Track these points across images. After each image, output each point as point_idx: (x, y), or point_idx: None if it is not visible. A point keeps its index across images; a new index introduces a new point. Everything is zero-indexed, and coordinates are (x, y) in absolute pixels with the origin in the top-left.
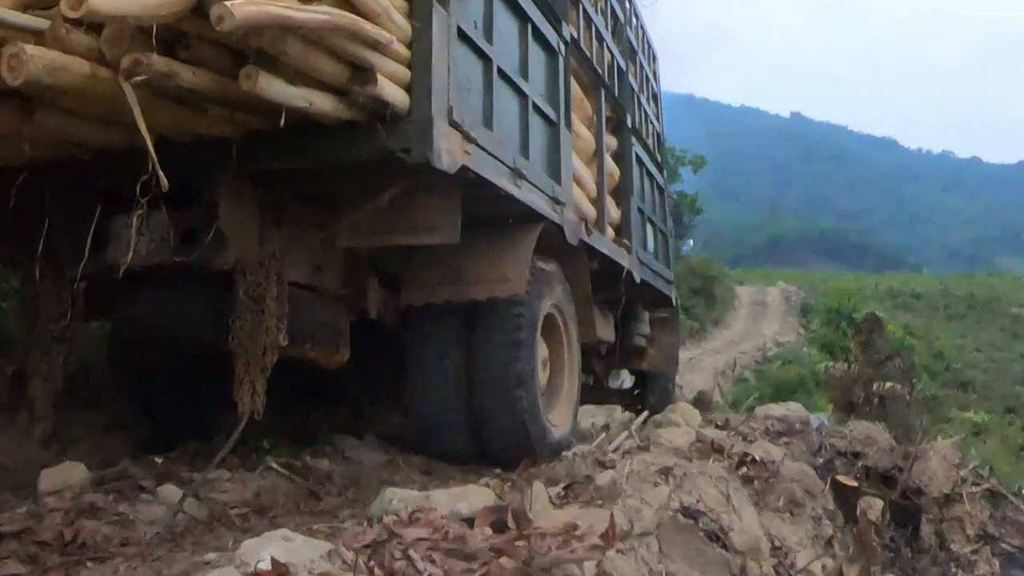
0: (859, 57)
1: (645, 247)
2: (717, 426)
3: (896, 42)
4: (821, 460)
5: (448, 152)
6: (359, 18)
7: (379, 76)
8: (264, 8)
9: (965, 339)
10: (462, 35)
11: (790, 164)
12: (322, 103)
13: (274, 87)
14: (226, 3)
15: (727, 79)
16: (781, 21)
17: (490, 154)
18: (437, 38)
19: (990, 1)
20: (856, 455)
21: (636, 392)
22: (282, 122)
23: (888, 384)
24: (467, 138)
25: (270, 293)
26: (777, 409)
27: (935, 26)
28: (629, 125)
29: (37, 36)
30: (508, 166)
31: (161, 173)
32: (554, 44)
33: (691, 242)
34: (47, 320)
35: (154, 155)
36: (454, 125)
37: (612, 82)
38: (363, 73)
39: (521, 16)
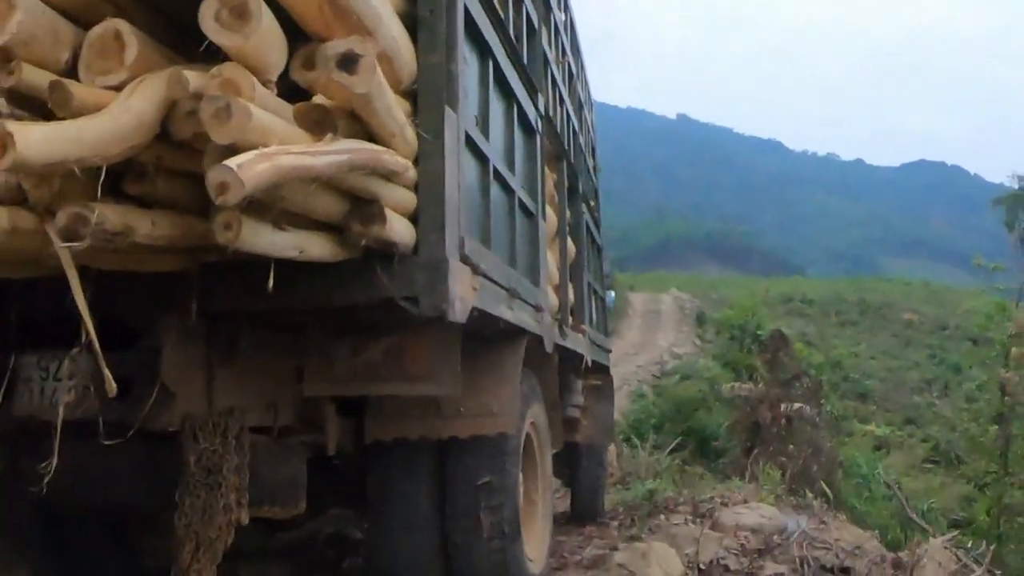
0: (746, 62)
1: (593, 323)
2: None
3: (783, 50)
4: None
5: (461, 298)
6: (378, 148)
7: (386, 211)
8: (276, 163)
9: (859, 347)
10: (468, 141)
11: (676, 166)
12: (314, 249)
13: (260, 238)
14: (230, 164)
15: (614, 80)
16: (669, 27)
17: (491, 280)
18: (449, 152)
19: (874, 14)
20: (845, 571)
21: (567, 466)
22: (270, 284)
23: (796, 405)
24: (475, 271)
25: (228, 462)
26: (749, 516)
27: (822, 36)
28: (580, 191)
29: None
30: (504, 288)
31: (89, 324)
32: (533, 122)
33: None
34: None
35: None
36: (465, 260)
37: (570, 148)
38: (366, 207)
39: (508, 96)
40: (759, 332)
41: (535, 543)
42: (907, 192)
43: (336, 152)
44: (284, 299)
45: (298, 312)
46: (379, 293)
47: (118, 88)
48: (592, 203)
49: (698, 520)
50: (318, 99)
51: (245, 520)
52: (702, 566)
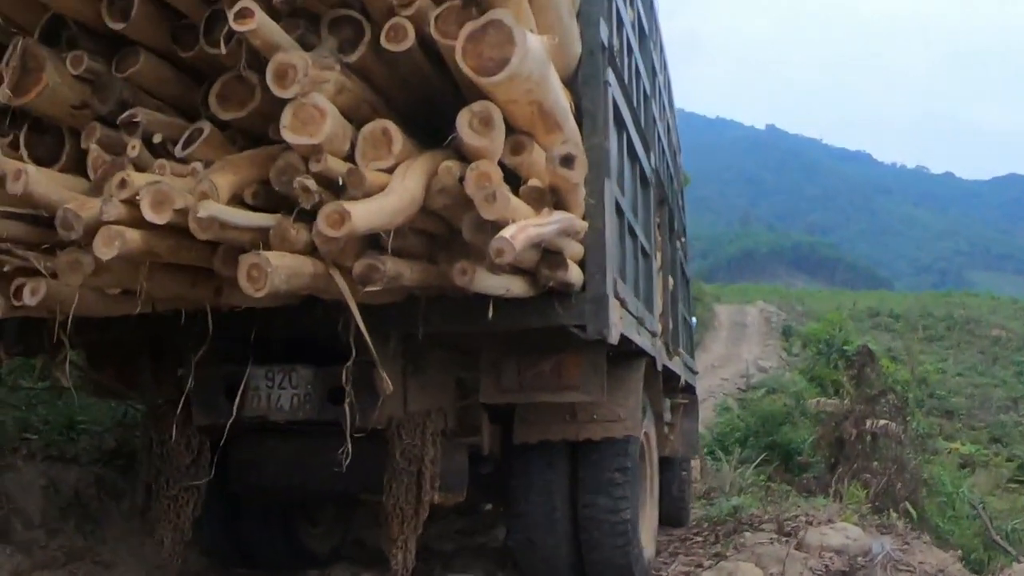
0: (830, 66)
1: (686, 348)
2: None
3: (865, 49)
4: None
5: (615, 325)
6: (573, 216)
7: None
8: (528, 233)
9: (946, 363)
10: (615, 201)
11: (763, 176)
12: (515, 288)
13: (484, 281)
14: (505, 235)
15: (702, 89)
16: (750, 28)
17: (629, 312)
18: (608, 213)
19: (959, 9)
20: None
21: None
22: (490, 314)
23: (881, 422)
24: (622, 304)
25: (427, 454)
26: (834, 536)
27: (905, 35)
28: (675, 228)
29: (260, 234)
30: (636, 317)
31: (370, 344)
32: (648, 176)
33: None
34: (175, 468)
35: (370, 342)
36: (616, 296)
37: (669, 189)
38: (554, 257)
39: (634, 158)
40: (846, 347)
41: (647, 534)
42: (996, 206)
43: (556, 222)
44: (473, 326)
45: (483, 335)
46: (555, 320)
47: (387, 171)
48: (683, 239)
49: (783, 539)
50: (534, 182)
51: (438, 499)
52: None
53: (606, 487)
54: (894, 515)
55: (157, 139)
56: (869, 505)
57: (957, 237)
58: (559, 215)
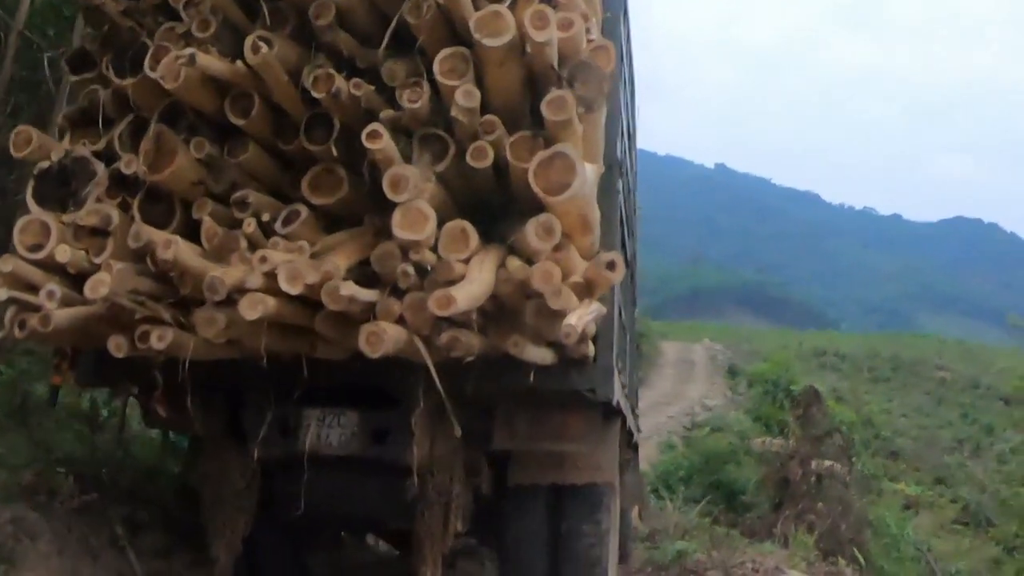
0: (785, 113)
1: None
2: None
3: (822, 101)
4: None
5: (617, 390)
6: (600, 305)
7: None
8: (582, 320)
9: (892, 403)
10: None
11: (713, 215)
12: (547, 358)
13: (531, 352)
14: (571, 321)
15: (654, 127)
16: (712, 75)
17: (618, 375)
18: (616, 295)
19: (913, 65)
20: None
21: None
22: (531, 378)
23: (826, 462)
24: (619, 372)
25: (455, 489)
26: None
27: (861, 88)
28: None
29: (367, 305)
30: (623, 383)
31: (444, 395)
32: (629, 258)
33: None
34: (230, 492)
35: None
36: (617, 366)
37: (634, 254)
38: (581, 335)
39: (623, 245)
40: (792, 387)
41: (614, 570)
42: (944, 248)
43: (595, 311)
44: (502, 386)
45: (500, 392)
46: (572, 385)
47: (464, 262)
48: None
49: None
50: (576, 278)
51: (463, 529)
52: None
53: (587, 527)
54: (842, 561)
55: (265, 218)
56: (817, 552)
57: (905, 279)
58: (596, 305)
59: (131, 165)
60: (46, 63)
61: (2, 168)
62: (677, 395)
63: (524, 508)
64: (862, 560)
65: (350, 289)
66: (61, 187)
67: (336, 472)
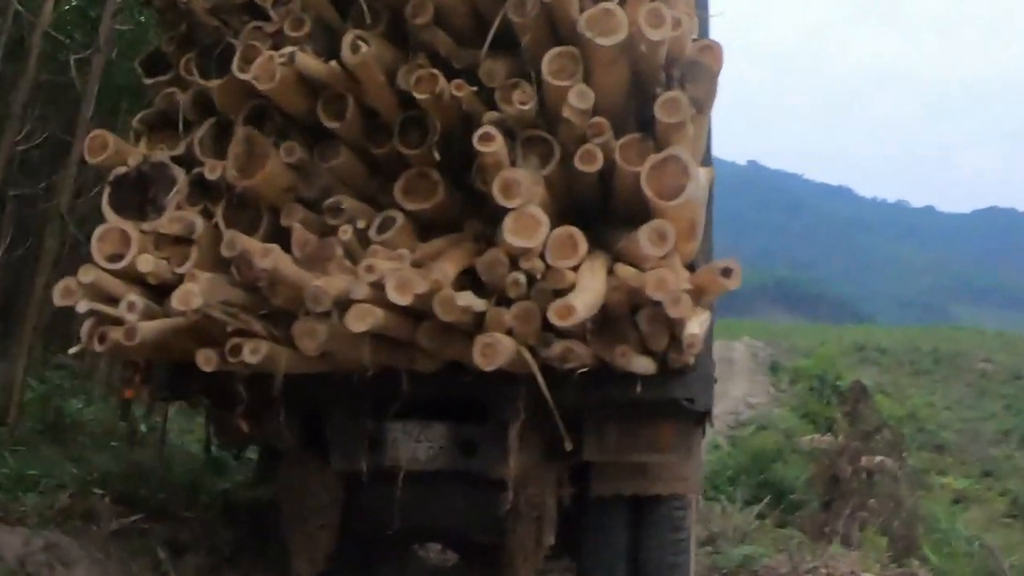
0: (814, 110)
1: None
2: None
3: (850, 97)
4: None
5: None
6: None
7: None
8: (703, 327)
9: (934, 396)
10: None
11: (746, 212)
12: (650, 368)
13: (636, 362)
14: (695, 332)
15: None
16: (739, 75)
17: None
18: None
19: (940, 59)
20: None
21: None
22: (639, 389)
23: (876, 458)
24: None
25: (548, 503)
26: None
27: (885, 83)
28: None
29: (478, 316)
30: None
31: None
32: None
33: None
34: (313, 508)
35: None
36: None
37: None
38: (679, 343)
39: None
40: (839, 383)
41: None
42: (978, 239)
43: (707, 319)
44: (597, 397)
45: (592, 405)
46: (671, 394)
47: (573, 269)
48: None
49: None
50: (685, 284)
51: (552, 541)
52: None
53: (670, 537)
54: (915, 562)
55: (362, 224)
56: (889, 553)
57: (939, 271)
58: (707, 313)
59: (215, 170)
60: (72, 65)
61: (28, 176)
62: (720, 394)
63: (605, 518)
64: (934, 560)
65: (467, 299)
66: (139, 194)
67: (422, 486)
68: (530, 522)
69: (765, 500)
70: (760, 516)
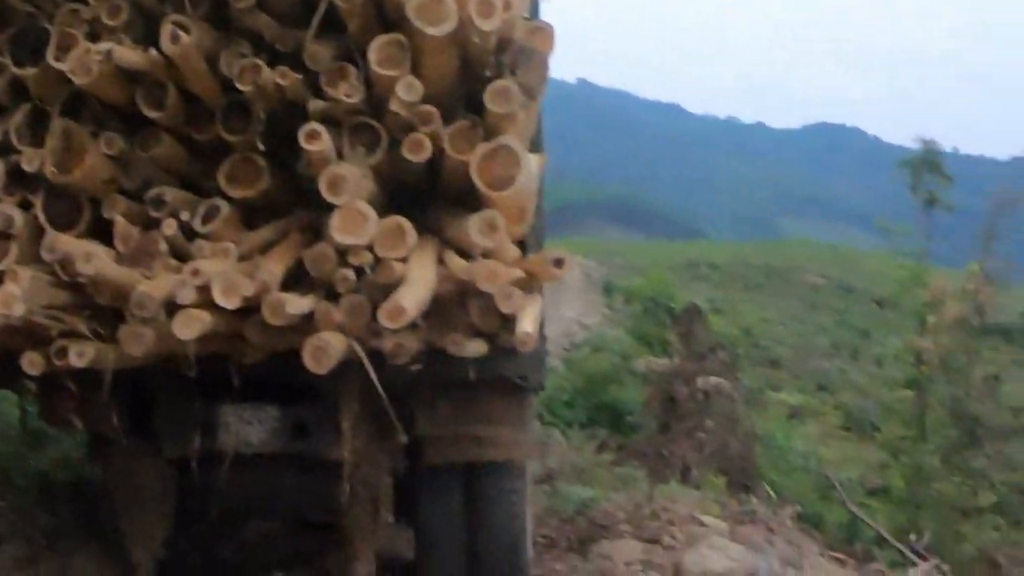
0: (644, 24)
1: None
2: None
3: (694, 17)
4: None
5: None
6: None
7: None
8: (535, 319)
9: (767, 311)
10: None
11: (577, 130)
12: (482, 348)
13: (468, 346)
14: (525, 328)
15: None
16: None
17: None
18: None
19: None
20: None
21: None
22: (471, 374)
23: (712, 379)
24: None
25: (383, 481)
26: (715, 559)
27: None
28: None
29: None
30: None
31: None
32: None
33: None
34: (147, 496)
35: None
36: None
37: None
38: (511, 323)
39: None
40: (672, 304)
41: (529, 540)
42: (807, 153)
43: (538, 306)
44: (432, 378)
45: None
46: (502, 372)
47: (402, 260)
48: None
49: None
50: (515, 271)
51: (389, 519)
52: None
53: (504, 503)
54: (753, 500)
55: (185, 217)
56: (726, 481)
57: (770, 186)
58: (538, 299)
59: (33, 162)
60: None
61: None
62: (553, 316)
63: (440, 486)
64: (772, 494)
65: (296, 306)
66: None
67: (255, 469)
68: (366, 502)
69: (603, 428)
70: (598, 441)
